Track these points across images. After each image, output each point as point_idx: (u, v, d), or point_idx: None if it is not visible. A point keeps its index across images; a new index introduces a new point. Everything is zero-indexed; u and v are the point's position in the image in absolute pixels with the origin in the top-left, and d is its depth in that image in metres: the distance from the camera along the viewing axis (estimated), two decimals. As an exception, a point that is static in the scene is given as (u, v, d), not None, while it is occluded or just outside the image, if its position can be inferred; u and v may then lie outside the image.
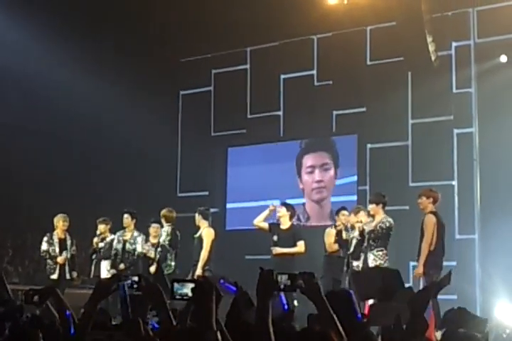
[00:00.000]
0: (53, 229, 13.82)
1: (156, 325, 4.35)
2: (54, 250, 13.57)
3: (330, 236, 12.71)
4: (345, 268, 11.80)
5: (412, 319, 4.30)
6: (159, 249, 13.31)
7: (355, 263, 11.54)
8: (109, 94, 19.03)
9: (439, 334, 7.70)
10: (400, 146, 17.55)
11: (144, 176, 19.88)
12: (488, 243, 15.78)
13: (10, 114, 18.73)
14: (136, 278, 4.32)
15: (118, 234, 13.80)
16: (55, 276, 13.43)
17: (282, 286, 3.67)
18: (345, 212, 12.69)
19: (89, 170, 19.84)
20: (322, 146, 19.06)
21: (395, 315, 4.79)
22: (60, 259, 13.49)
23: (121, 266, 13.47)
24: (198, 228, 13.41)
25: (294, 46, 19.29)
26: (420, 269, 10.60)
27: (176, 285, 3.61)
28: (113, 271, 13.25)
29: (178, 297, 3.62)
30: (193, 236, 13.48)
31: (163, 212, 13.69)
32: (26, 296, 4.80)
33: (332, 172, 18.80)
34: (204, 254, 12.79)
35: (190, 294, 3.53)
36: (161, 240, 13.36)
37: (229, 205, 20.03)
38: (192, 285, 3.54)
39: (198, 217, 13.39)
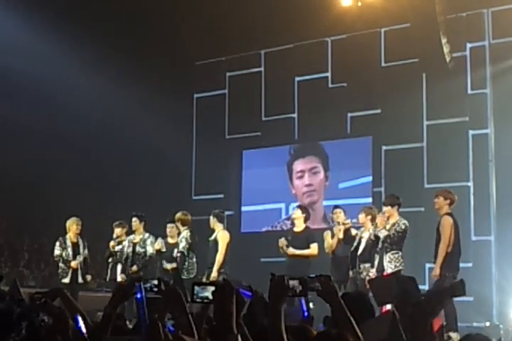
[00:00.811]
0: (66, 233, 13.82)
1: (172, 328, 4.35)
2: (67, 254, 13.56)
3: (329, 236, 12.69)
4: (350, 268, 11.71)
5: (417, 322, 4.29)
6: (178, 254, 13.23)
7: (365, 265, 11.48)
8: (124, 97, 19.07)
9: (454, 336, 7.69)
10: (415, 148, 17.50)
11: (159, 179, 19.91)
12: (505, 244, 15.72)
13: (22, 115, 18.79)
14: (155, 282, 4.33)
15: (128, 238, 13.78)
16: (66, 280, 13.43)
17: (293, 292, 3.67)
18: (338, 210, 12.66)
19: (105, 174, 19.88)
20: (311, 151, 19.10)
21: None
22: (73, 264, 13.49)
23: (134, 267, 13.45)
24: (213, 231, 13.38)
25: (308, 48, 19.29)
26: (437, 271, 10.56)
27: (196, 288, 3.61)
28: (123, 276, 13.24)
29: (198, 300, 3.61)
30: (208, 239, 13.46)
31: (179, 215, 13.63)
32: (33, 299, 4.80)
33: (322, 175, 18.82)
34: (219, 257, 12.75)
35: (210, 297, 3.53)
36: (181, 247, 13.25)
37: (244, 208, 20.03)
38: (213, 288, 3.53)
39: (212, 219, 13.35)
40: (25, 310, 3.46)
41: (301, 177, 19.04)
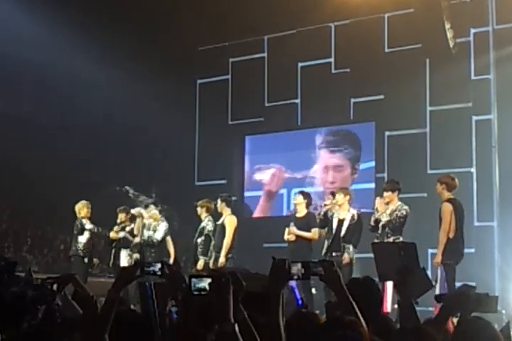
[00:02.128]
0: (76, 218, 13.81)
1: (175, 316, 4.37)
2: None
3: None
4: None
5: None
6: (201, 239, 13.11)
7: (349, 246, 11.45)
8: (126, 83, 19.06)
9: (455, 321, 7.70)
10: (418, 134, 17.49)
11: (162, 165, 19.92)
12: (507, 230, 15.73)
13: (25, 103, 18.79)
14: (159, 265, 4.33)
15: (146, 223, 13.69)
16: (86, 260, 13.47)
17: (296, 276, 3.66)
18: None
19: (107, 160, 19.89)
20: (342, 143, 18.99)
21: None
22: (95, 260, 13.57)
23: (136, 255, 13.38)
24: (220, 215, 13.33)
25: (311, 34, 19.24)
26: (439, 258, 10.56)
27: (193, 280, 3.61)
28: (136, 256, 13.23)
29: (196, 292, 3.61)
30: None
31: (204, 202, 13.48)
32: (45, 284, 4.81)
33: (347, 172, 18.74)
34: (227, 242, 12.70)
35: (207, 288, 3.53)
36: (207, 230, 13.15)
37: (246, 193, 20.06)
38: (209, 280, 3.53)
39: (220, 204, 13.26)
40: (41, 294, 3.46)
41: (325, 172, 18.98)
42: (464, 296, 4.66)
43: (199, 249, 13.07)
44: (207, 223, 13.18)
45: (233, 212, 13.65)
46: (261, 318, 3.71)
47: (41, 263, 17.64)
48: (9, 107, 18.55)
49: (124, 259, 13.78)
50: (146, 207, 13.88)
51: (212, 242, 13.03)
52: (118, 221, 13.99)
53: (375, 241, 11.09)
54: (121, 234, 13.93)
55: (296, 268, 3.66)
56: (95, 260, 13.84)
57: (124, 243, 13.86)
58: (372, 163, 18.22)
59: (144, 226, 13.72)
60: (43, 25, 17.77)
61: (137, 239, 13.64)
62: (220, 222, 13.21)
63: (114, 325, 3.84)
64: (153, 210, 13.79)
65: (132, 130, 19.70)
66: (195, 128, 21.10)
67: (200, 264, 12.88)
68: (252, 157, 20.17)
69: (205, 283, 3.51)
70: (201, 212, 13.33)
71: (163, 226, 13.59)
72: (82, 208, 13.70)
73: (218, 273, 3.56)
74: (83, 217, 13.68)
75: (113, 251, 13.89)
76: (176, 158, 20.06)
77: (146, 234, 13.61)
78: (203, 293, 3.53)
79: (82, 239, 13.60)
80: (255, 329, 3.68)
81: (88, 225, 13.69)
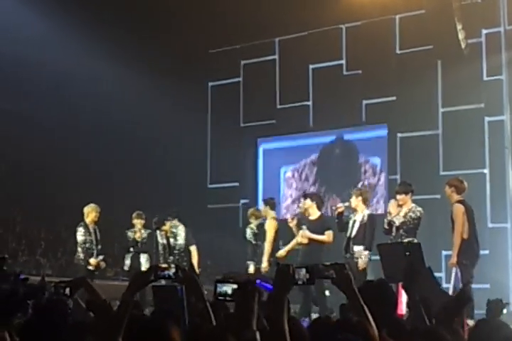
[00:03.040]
0: (82, 220, 13.70)
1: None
2: (91, 240, 13.43)
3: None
4: (344, 252, 11.62)
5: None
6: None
7: (359, 248, 11.42)
8: (138, 86, 19.10)
9: (471, 323, 7.68)
10: (430, 135, 17.46)
11: (175, 168, 19.93)
12: (521, 231, 15.70)
13: (35, 104, 18.82)
14: (173, 269, 4.34)
15: (164, 228, 13.59)
16: (91, 267, 13.35)
17: (300, 282, 3.64)
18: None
19: (120, 162, 19.90)
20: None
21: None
22: (93, 261, 13.35)
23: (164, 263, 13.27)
24: (260, 218, 13.01)
25: (322, 36, 19.24)
26: (454, 259, 10.51)
27: (218, 285, 3.61)
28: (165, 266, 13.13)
29: (221, 298, 3.62)
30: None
31: (252, 211, 13.33)
32: (57, 289, 4.83)
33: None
34: (267, 246, 12.57)
35: (231, 294, 3.53)
36: (248, 236, 13.03)
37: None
38: (235, 285, 3.53)
39: (264, 207, 13.02)
40: (30, 289, 3.46)
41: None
42: (468, 299, 4.69)
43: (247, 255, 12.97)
44: (247, 229, 13.05)
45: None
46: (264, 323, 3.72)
47: (55, 267, 17.66)
48: (17, 108, 18.59)
49: (145, 264, 13.71)
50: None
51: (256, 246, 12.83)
52: (137, 227, 13.89)
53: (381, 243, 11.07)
54: (138, 239, 13.87)
55: (302, 274, 3.64)
56: (102, 263, 13.60)
57: (144, 248, 13.80)
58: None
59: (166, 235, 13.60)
60: (50, 24, 17.79)
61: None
62: (255, 224, 13.06)
63: (127, 329, 3.85)
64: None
65: (144, 132, 19.72)
66: (207, 131, 21.13)
67: (251, 269, 12.72)
68: (264, 159, 20.16)
69: (228, 289, 3.51)
70: (251, 220, 13.10)
71: (181, 230, 13.51)
72: (90, 212, 13.51)
73: (245, 280, 3.56)
74: (89, 222, 13.53)
75: (129, 255, 13.81)
76: (189, 160, 20.09)
77: (165, 240, 13.50)
78: (227, 298, 3.53)
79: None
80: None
81: (80, 236, 13.47)
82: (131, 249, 13.76)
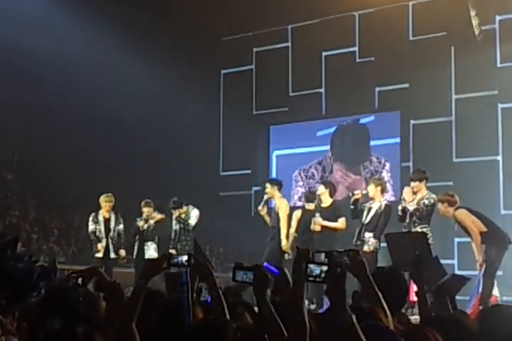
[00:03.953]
0: (99, 209, 13.87)
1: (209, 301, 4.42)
2: (99, 229, 13.61)
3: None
4: (355, 239, 11.63)
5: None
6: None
7: (370, 235, 11.41)
8: (151, 74, 19.10)
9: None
10: (443, 122, 17.41)
11: (187, 155, 19.95)
12: (534, 218, 15.63)
13: (49, 93, 18.87)
14: (185, 257, 4.36)
15: (174, 216, 13.61)
16: (99, 255, 13.49)
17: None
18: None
19: (133, 151, 19.94)
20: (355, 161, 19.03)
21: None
22: (100, 246, 13.48)
23: (173, 251, 13.29)
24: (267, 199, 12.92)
25: (335, 23, 19.17)
26: (480, 260, 10.50)
27: (310, 266, 3.61)
28: (173, 251, 13.16)
29: (311, 279, 3.63)
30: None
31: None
32: (69, 278, 4.85)
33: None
34: (283, 225, 12.49)
35: (322, 275, 3.53)
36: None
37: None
38: (325, 267, 3.52)
39: (271, 188, 12.86)
40: (43, 270, 3.47)
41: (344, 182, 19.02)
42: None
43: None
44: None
45: (256, 204, 13.42)
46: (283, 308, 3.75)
47: (68, 254, 17.75)
48: (33, 98, 18.65)
49: (152, 251, 13.78)
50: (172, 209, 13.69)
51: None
52: (144, 215, 13.96)
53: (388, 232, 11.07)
54: (146, 226, 13.93)
55: (321, 258, 3.67)
56: (122, 251, 13.74)
57: (149, 236, 13.87)
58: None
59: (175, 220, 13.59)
60: (64, 14, 17.82)
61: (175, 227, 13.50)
62: (272, 207, 12.99)
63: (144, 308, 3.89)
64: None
65: (156, 121, 19.73)
66: (220, 119, 21.14)
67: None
68: (276, 146, 20.15)
69: (322, 270, 3.52)
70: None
71: (194, 212, 13.49)
72: (102, 200, 13.67)
73: (335, 262, 3.57)
74: (103, 211, 13.66)
75: (137, 243, 13.88)
76: (201, 148, 20.10)
77: (178, 226, 13.49)
78: (318, 279, 3.54)
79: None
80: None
81: (90, 226, 13.67)
82: (137, 238, 13.87)
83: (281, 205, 12.62)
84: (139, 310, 3.87)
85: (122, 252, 13.67)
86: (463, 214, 10.62)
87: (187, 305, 4.10)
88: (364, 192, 11.86)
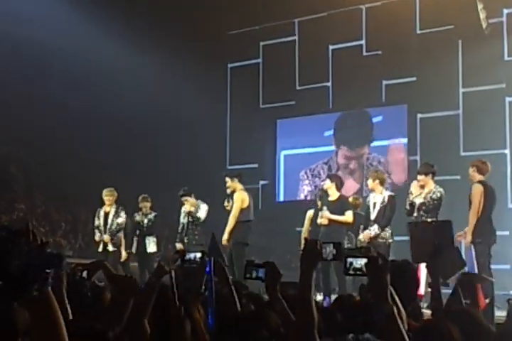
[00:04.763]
0: (103, 204, 13.92)
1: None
2: (100, 224, 13.69)
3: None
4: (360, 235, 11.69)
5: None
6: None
7: (375, 227, 11.41)
8: (157, 68, 19.10)
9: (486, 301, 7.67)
10: (450, 115, 17.37)
11: (194, 149, 19.96)
12: (542, 212, 15.60)
13: (56, 89, 18.87)
14: (199, 254, 4.37)
15: (183, 209, 13.56)
16: (100, 249, 13.55)
17: (329, 257, 3.67)
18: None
19: (139, 145, 19.97)
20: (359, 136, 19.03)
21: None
22: (97, 237, 13.56)
23: (179, 245, 13.27)
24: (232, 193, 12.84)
25: (342, 16, 19.13)
26: (468, 238, 10.51)
27: (349, 259, 3.61)
28: (180, 245, 13.16)
29: (351, 272, 3.63)
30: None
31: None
32: (74, 272, 4.84)
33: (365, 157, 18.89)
34: (231, 218, 12.42)
35: (363, 269, 3.54)
36: None
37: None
38: (365, 260, 3.53)
39: (232, 181, 12.75)
40: (47, 258, 3.44)
41: (347, 165, 19.04)
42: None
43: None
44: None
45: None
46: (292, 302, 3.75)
47: (75, 248, 17.78)
48: (41, 94, 18.69)
49: (152, 246, 13.82)
50: (181, 196, 13.63)
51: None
52: (144, 210, 13.99)
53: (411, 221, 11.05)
54: (146, 220, 13.96)
55: (329, 249, 3.67)
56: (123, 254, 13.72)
57: (149, 230, 13.91)
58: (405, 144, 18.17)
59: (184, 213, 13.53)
60: (71, 10, 17.81)
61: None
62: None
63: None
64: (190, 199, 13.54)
65: (163, 114, 19.72)
66: (227, 112, 21.13)
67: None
68: (283, 140, 20.14)
69: (361, 263, 3.53)
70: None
71: (204, 206, 13.46)
72: (104, 195, 13.72)
73: (376, 253, 3.57)
74: (106, 205, 13.72)
75: (136, 238, 13.91)
76: (208, 142, 20.11)
77: (186, 219, 13.43)
78: (358, 273, 3.55)
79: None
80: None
81: (95, 220, 13.76)
82: (137, 233, 13.91)
83: (237, 198, 12.51)
84: (151, 306, 3.88)
85: (123, 254, 13.65)
86: (477, 191, 10.61)
87: (210, 299, 4.10)
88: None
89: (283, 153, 20.14)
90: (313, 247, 3.56)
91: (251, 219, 12.55)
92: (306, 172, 19.62)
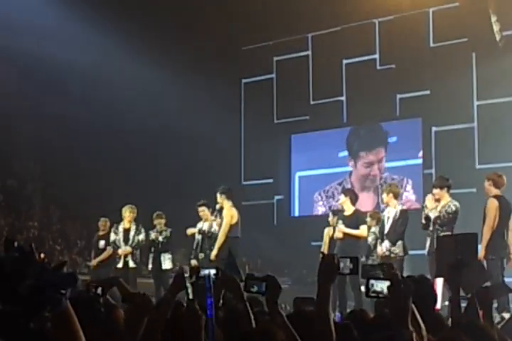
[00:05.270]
0: (121, 220, 13.97)
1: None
2: (119, 240, 13.71)
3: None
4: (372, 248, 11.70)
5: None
6: None
7: (387, 244, 11.38)
8: (172, 84, 19.13)
9: (508, 316, 7.60)
10: (465, 128, 17.32)
11: (208, 165, 19.96)
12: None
13: (73, 105, 18.97)
14: (213, 271, 4.36)
15: (198, 227, 13.59)
16: (119, 265, 13.57)
17: (346, 271, 3.66)
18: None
19: (155, 162, 19.99)
20: (376, 141, 19.00)
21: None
22: (120, 251, 13.60)
23: (193, 261, 13.26)
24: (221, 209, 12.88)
25: (355, 31, 19.14)
26: (482, 253, 10.42)
27: (371, 281, 3.58)
28: (195, 262, 13.15)
29: (373, 294, 3.59)
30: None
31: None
32: (89, 288, 4.83)
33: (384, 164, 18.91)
34: (220, 234, 12.42)
35: (385, 292, 3.50)
36: None
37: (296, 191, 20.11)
38: (388, 282, 3.49)
39: (220, 196, 12.79)
40: (61, 278, 3.42)
41: (368, 166, 19.00)
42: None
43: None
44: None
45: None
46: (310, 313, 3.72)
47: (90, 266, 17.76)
48: (56, 110, 18.75)
49: (168, 263, 13.81)
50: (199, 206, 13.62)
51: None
52: (158, 227, 14.00)
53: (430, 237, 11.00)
54: (161, 237, 13.97)
55: (346, 264, 3.65)
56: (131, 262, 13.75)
57: (163, 247, 13.91)
58: (420, 159, 18.12)
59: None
60: (84, 24, 17.87)
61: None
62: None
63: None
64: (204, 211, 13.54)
65: (178, 130, 19.75)
66: (241, 128, 21.13)
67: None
68: (298, 155, 20.12)
69: (383, 286, 3.49)
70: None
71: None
72: (125, 211, 13.78)
73: (399, 277, 3.52)
74: (126, 221, 13.75)
75: (152, 255, 13.92)
76: (222, 157, 20.10)
77: (200, 236, 13.41)
78: (380, 295, 3.51)
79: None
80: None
81: (111, 237, 13.78)
82: (152, 250, 13.92)
83: (226, 214, 12.53)
84: (164, 323, 3.85)
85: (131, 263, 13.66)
86: (492, 206, 10.51)
87: (210, 313, 4.07)
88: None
89: (297, 174, 20.11)
90: (330, 262, 3.54)
91: (238, 236, 12.54)
92: (320, 194, 19.58)
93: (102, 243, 14.13)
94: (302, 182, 20.02)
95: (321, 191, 19.57)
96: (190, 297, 3.94)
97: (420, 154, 18.14)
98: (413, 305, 3.66)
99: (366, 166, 19.02)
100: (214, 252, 12.23)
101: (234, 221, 12.49)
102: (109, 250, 13.89)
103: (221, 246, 12.24)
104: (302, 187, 20.01)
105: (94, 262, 14.22)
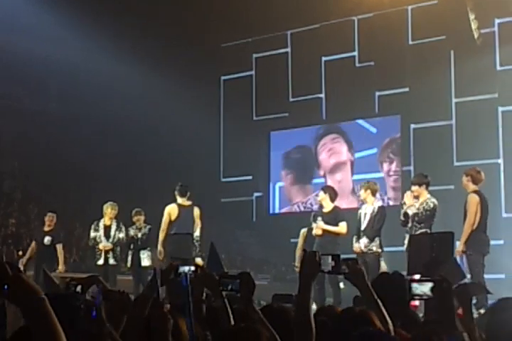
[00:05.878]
0: (102, 217, 13.91)
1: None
2: (99, 236, 13.66)
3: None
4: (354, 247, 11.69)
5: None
6: None
7: (365, 240, 11.40)
8: (151, 80, 19.09)
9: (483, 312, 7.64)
10: (443, 126, 17.41)
11: (187, 162, 19.93)
12: (536, 221, 15.61)
13: (53, 103, 18.92)
14: (193, 268, 4.37)
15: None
16: (100, 262, 13.52)
17: (327, 269, 3.67)
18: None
19: (133, 158, 19.94)
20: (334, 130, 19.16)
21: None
22: (101, 246, 13.56)
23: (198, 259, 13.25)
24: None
25: (334, 28, 19.18)
26: (460, 247, 10.47)
27: (414, 285, 3.60)
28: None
29: (417, 297, 3.61)
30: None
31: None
32: (69, 286, 4.82)
33: (345, 147, 19.10)
34: (161, 233, 12.43)
35: (429, 293, 3.52)
36: None
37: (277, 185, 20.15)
38: (430, 284, 3.51)
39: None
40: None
41: (323, 149, 19.11)
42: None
43: None
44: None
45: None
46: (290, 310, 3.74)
47: (70, 262, 17.69)
48: (34, 107, 18.69)
49: (146, 260, 13.79)
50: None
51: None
52: (138, 224, 13.95)
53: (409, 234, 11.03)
54: (140, 234, 13.94)
55: (328, 262, 3.67)
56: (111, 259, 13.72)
57: (143, 244, 13.88)
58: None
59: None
60: (65, 21, 17.80)
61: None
62: None
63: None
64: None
65: (157, 127, 19.73)
66: (220, 125, 21.13)
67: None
68: (277, 152, 20.14)
69: (426, 288, 3.50)
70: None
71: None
72: (106, 208, 13.70)
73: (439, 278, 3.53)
74: (106, 218, 13.71)
75: (131, 252, 13.88)
76: (201, 154, 20.09)
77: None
78: (424, 297, 3.52)
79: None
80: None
81: (91, 233, 13.71)
82: (131, 247, 13.88)
83: (165, 212, 12.53)
84: (143, 319, 3.86)
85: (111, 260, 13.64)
86: (473, 201, 10.56)
87: (188, 312, 4.08)
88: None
89: (278, 184, 20.13)
90: (312, 259, 3.55)
91: (180, 233, 12.41)
92: (298, 206, 19.60)
93: (46, 239, 13.98)
94: (282, 193, 20.07)
95: (299, 203, 19.59)
96: (162, 296, 3.95)
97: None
98: (380, 302, 3.71)
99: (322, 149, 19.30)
100: (159, 247, 12.20)
101: (173, 218, 12.40)
102: (33, 246, 13.92)
103: (162, 244, 12.21)
104: (282, 199, 20.08)
105: (24, 259, 14.09)
